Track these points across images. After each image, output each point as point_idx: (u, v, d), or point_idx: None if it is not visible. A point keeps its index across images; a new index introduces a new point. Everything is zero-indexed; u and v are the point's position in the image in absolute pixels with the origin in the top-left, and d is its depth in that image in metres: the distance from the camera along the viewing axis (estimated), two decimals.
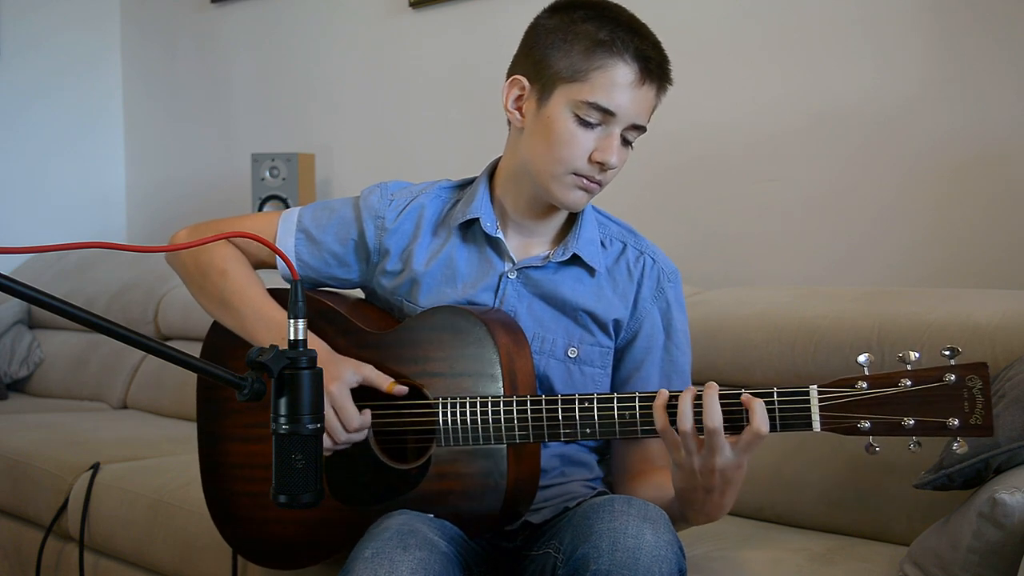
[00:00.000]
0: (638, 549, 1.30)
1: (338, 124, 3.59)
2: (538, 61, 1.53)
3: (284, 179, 3.39)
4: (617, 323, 1.62)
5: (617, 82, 1.47)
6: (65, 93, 4.22)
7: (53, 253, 3.73)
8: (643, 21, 1.55)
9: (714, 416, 1.33)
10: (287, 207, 3.34)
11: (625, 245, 1.65)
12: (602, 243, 1.63)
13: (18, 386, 3.65)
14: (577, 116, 1.48)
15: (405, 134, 3.39)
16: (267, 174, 3.40)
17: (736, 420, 1.35)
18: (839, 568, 1.63)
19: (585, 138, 1.49)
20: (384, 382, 1.53)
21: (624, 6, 1.56)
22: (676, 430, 1.37)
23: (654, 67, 1.50)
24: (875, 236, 2.41)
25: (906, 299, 1.95)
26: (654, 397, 1.40)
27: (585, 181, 1.51)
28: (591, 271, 1.61)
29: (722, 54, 2.65)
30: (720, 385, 1.36)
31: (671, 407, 1.38)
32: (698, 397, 1.36)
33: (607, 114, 1.48)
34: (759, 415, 1.33)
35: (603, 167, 1.50)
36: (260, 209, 3.39)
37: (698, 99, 2.70)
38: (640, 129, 1.52)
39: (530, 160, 1.55)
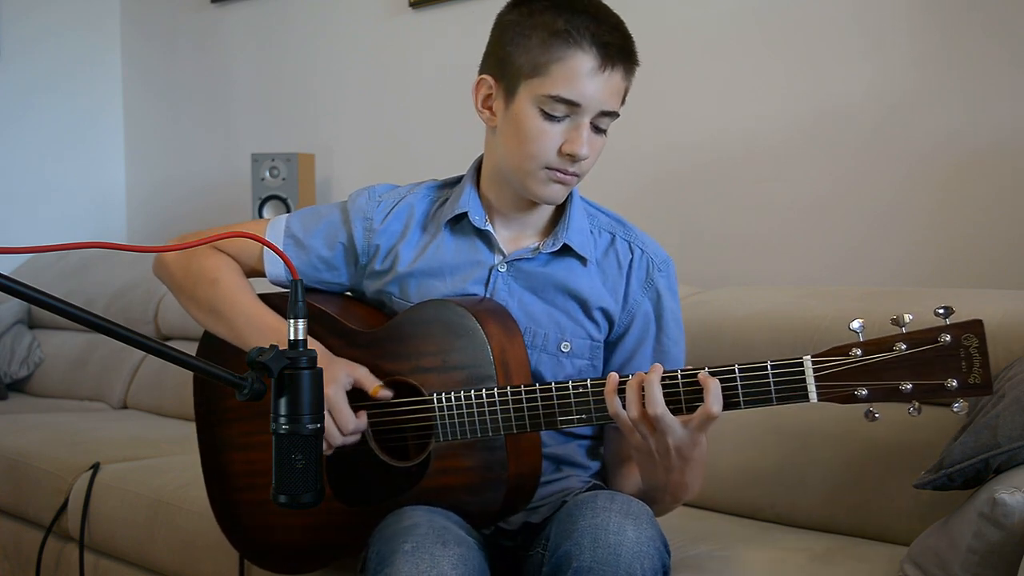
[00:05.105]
0: (620, 545, 1.31)
1: (338, 124, 3.59)
2: (501, 59, 1.52)
3: (284, 179, 3.38)
4: (607, 312, 1.60)
5: (578, 72, 1.45)
6: (65, 93, 4.21)
7: (53, 253, 3.72)
8: (605, 3, 1.51)
9: (656, 403, 1.34)
10: (287, 207, 3.35)
11: (614, 236, 1.63)
12: (591, 233, 1.62)
13: (18, 386, 3.65)
14: (543, 111, 1.47)
15: (405, 134, 3.39)
16: (267, 174, 3.39)
17: (693, 401, 1.35)
18: (839, 568, 1.63)
19: (553, 132, 1.47)
20: (371, 385, 1.52)
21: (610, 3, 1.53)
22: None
23: (615, 51, 1.46)
24: (875, 236, 2.41)
25: (906, 299, 1.95)
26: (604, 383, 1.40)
27: (559, 174, 1.50)
28: (582, 260, 1.60)
29: (722, 54, 2.65)
30: None
31: (621, 391, 1.38)
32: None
33: (572, 105, 1.46)
34: (712, 395, 1.32)
35: (574, 159, 1.48)
36: (260, 209, 3.39)
37: (698, 100, 2.70)
38: (611, 115, 1.50)
39: (503, 158, 1.54)
